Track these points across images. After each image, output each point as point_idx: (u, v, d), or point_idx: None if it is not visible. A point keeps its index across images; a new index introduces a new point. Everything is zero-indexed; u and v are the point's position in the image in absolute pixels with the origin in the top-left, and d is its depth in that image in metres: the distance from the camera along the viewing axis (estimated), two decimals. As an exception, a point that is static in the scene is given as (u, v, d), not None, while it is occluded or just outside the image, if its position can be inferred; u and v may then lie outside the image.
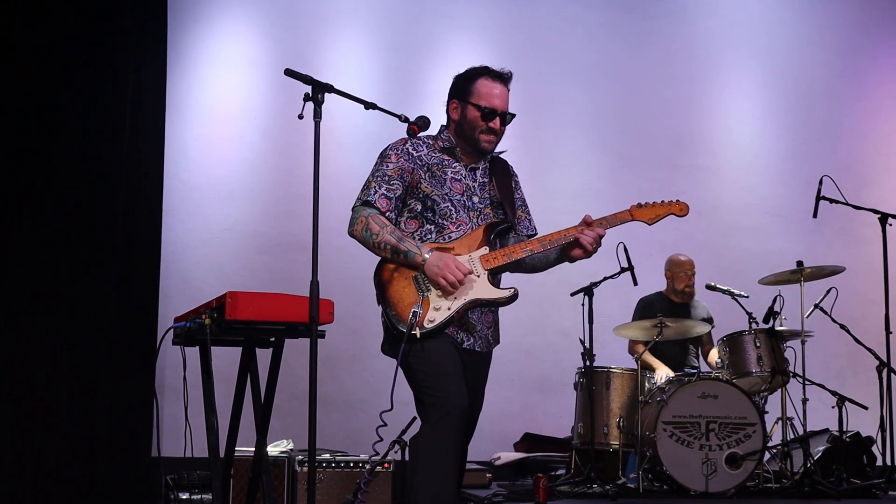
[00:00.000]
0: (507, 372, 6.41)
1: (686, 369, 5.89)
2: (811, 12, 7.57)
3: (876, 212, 5.71)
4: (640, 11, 7.31)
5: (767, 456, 5.40)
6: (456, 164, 3.29)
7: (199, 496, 4.30)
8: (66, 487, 4.71)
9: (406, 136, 3.25)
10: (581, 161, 7.11)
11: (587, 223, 3.23)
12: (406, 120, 3.19)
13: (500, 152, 3.39)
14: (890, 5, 7.65)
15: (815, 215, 5.59)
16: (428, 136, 3.32)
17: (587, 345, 5.50)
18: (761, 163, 7.35)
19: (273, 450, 4.67)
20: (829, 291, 5.50)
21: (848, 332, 5.56)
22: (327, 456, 4.66)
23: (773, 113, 7.42)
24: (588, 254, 3.23)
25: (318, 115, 3.09)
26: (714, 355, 5.98)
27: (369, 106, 3.20)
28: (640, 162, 7.07)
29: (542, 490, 4.97)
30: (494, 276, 3.21)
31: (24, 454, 4.62)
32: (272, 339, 3.71)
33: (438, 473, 2.99)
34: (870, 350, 5.51)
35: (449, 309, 3.08)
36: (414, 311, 3.05)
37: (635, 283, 5.38)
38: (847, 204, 5.65)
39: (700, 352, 6.19)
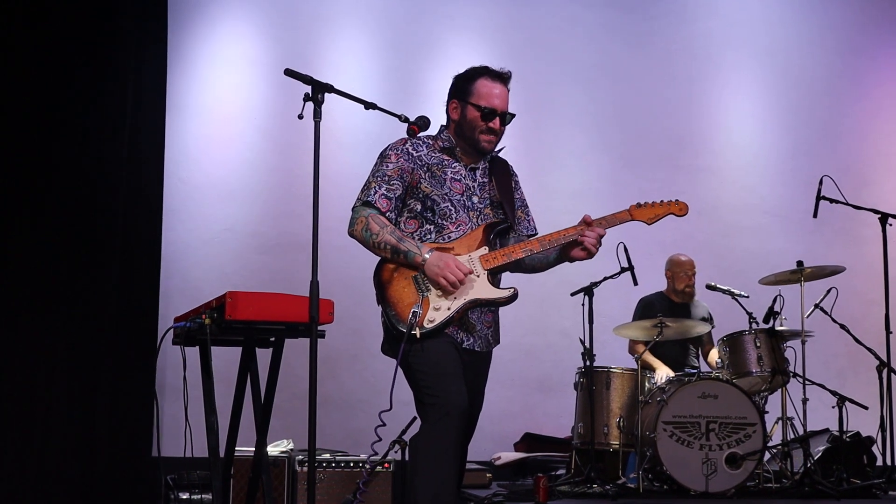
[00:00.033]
0: (507, 372, 6.41)
1: (686, 369, 5.89)
2: (811, 12, 7.57)
3: (876, 212, 5.71)
4: (640, 11, 7.30)
5: (767, 456, 5.40)
6: (456, 164, 3.29)
7: (199, 496, 4.30)
8: (66, 487, 4.71)
9: (406, 136, 3.25)
10: (581, 161, 7.11)
11: (587, 223, 3.23)
12: (406, 120, 3.19)
13: (499, 150, 3.39)
14: (890, 5, 7.65)
15: (815, 215, 5.60)
16: (428, 136, 3.32)
17: (587, 345, 5.49)
18: (761, 163, 7.35)
19: (273, 450, 4.67)
20: (829, 291, 5.50)
21: (848, 332, 5.56)
22: (327, 456, 4.66)
23: (773, 113, 7.42)
24: (590, 254, 3.23)
25: (318, 115, 3.09)
26: (714, 355, 5.98)
27: (369, 106, 3.19)
28: (640, 162, 7.07)
29: (542, 490, 4.97)
30: (494, 276, 3.21)
31: (24, 454, 4.62)
32: (272, 339, 3.71)
33: (438, 473, 2.99)
34: (870, 350, 5.50)
35: (449, 309, 3.08)
36: (414, 311, 3.05)
37: (635, 283, 5.38)
38: (847, 204, 5.65)
39: (700, 352, 6.19)
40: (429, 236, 3.21)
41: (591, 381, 5.50)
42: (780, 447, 5.46)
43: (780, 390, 5.53)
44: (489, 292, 3.14)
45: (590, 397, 5.48)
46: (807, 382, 5.50)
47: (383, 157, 3.27)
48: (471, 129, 3.25)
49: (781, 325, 5.54)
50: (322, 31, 6.74)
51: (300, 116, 3.09)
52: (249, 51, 6.60)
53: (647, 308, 6.03)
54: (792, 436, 5.50)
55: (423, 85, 6.61)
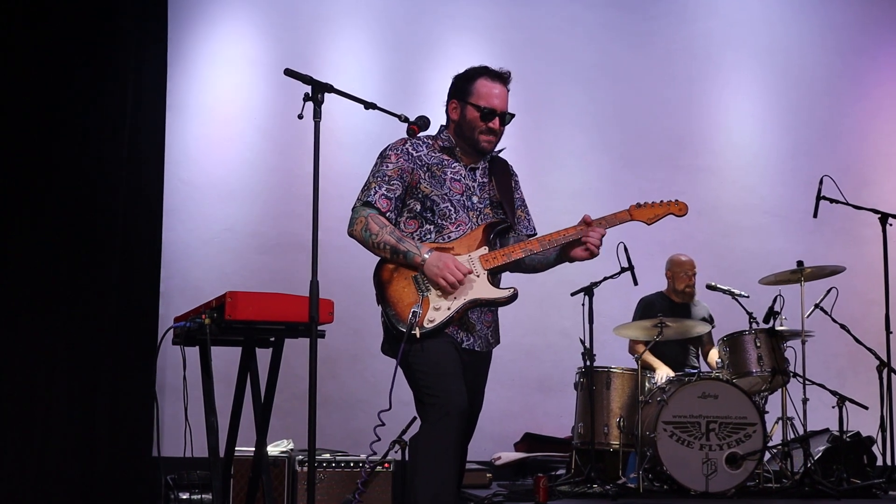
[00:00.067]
0: (507, 372, 6.41)
1: (686, 369, 5.89)
2: (811, 12, 7.57)
3: (876, 212, 5.71)
4: (640, 11, 7.30)
5: (768, 456, 5.40)
6: (455, 164, 3.29)
7: (199, 496, 4.29)
8: (66, 487, 4.71)
9: (406, 136, 3.25)
10: (581, 161, 7.11)
11: (586, 223, 3.23)
12: (406, 120, 3.19)
13: (499, 150, 3.39)
14: (890, 5, 7.65)
15: (815, 215, 5.59)
16: (427, 136, 3.32)
17: (587, 345, 5.49)
18: (761, 163, 7.35)
19: (273, 450, 4.67)
20: (829, 291, 5.50)
21: (848, 331, 5.56)
22: (327, 456, 4.66)
23: (774, 113, 7.42)
24: (591, 255, 3.23)
25: (317, 115, 3.09)
26: (714, 355, 5.98)
27: (369, 106, 3.19)
28: (640, 162, 7.07)
29: (542, 490, 4.97)
30: (494, 276, 3.21)
31: (24, 454, 4.62)
32: (272, 339, 3.71)
33: (438, 473, 2.99)
34: (870, 350, 5.50)
35: (449, 309, 3.08)
36: (414, 311, 3.05)
37: (635, 283, 5.38)
38: (847, 204, 5.65)
39: (700, 352, 6.19)
40: (428, 236, 3.21)
41: (592, 381, 5.50)
42: (780, 447, 5.46)
43: (780, 390, 5.53)
44: (489, 292, 3.14)
45: (590, 397, 5.48)
46: (807, 382, 5.50)
47: (383, 157, 3.26)
48: (470, 129, 3.25)
49: (781, 325, 5.54)
50: (322, 31, 6.74)
51: (300, 116, 3.09)
52: (249, 51, 6.60)
53: (647, 308, 6.03)
54: (792, 436, 5.50)
55: (423, 85, 6.61)
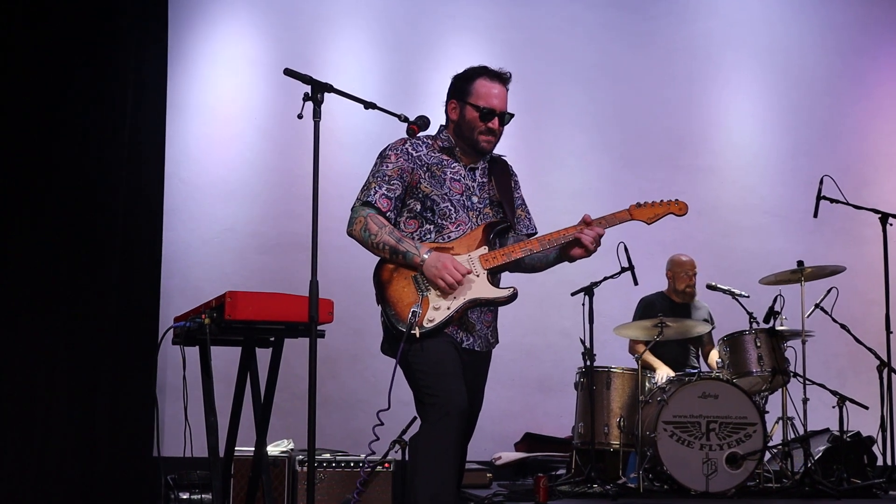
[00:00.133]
0: (507, 372, 6.41)
1: (686, 369, 5.88)
2: (812, 12, 7.56)
3: (876, 211, 5.71)
4: (640, 11, 7.30)
5: (768, 456, 5.40)
6: (455, 164, 3.29)
7: (199, 496, 4.30)
8: (66, 487, 4.71)
9: (405, 136, 3.25)
10: (581, 161, 7.10)
11: (586, 222, 3.23)
12: (406, 120, 3.19)
13: (500, 156, 3.40)
14: (891, 5, 7.64)
15: (815, 215, 5.59)
16: (427, 136, 3.32)
17: (587, 344, 5.49)
18: (761, 163, 7.35)
19: (273, 450, 4.67)
20: (829, 291, 5.50)
21: (848, 331, 5.56)
22: (327, 456, 4.67)
23: (774, 113, 7.42)
24: (589, 253, 3.23)
25: (317, 115, 3.09)
26: (714, 356, 5.98)
27: (369, 106, 3.19)
28: (640, 162, 7.07)
29: (542, 490, 4.97)
30: (494, 276, 3.21)
31: (24, 454, 4.62)
32: (272, 339, 3.71)
33: (438, 473, 2.98)
34: (870, 350, 5.50)
35: (448, 308, 3.08)
36: (413, 311, 3.05)
37: (636, 283, 5.38)
38: (847, 204, 5.65)
39: (700, 352, 6.18)
40: (428, 236, 3.21)
41: (592, 380, 5.50)
42: (780, 447, 5.46)
43: (780, 390, 5.53)
44: (489, 292, 3.14)
45: (590, 397, 5.48)
46: (807, 382, 5.49)
47: (383, 157, 3.26)
48: (470, 129, 3.25)
49: (782, 325, 5.54)
50: (322, 31, 6.74)
51: (300, 116, 3.09)
52: (249, 51, 6.60)
53: (647, 308, 6.03)
54: (792, 436, 5.50)
55: (423, 85, 6.60)
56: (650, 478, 5.36)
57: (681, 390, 5.24)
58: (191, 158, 6.32)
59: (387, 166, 3.22)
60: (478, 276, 3.14)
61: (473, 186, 3.29)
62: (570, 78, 7.13)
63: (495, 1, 7.10)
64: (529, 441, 6.46)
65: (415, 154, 3.25)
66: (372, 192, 3.18)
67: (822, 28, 7.55)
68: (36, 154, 4.84)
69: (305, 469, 4.38)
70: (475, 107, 3.23)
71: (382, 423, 3.07)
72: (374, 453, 3.37)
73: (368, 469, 4.56)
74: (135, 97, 5.24)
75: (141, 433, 5.02)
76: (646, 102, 7.19)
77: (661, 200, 3.35)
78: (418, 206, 3.23)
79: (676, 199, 3.37)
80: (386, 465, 4.63)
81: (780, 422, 5.50)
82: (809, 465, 5.24)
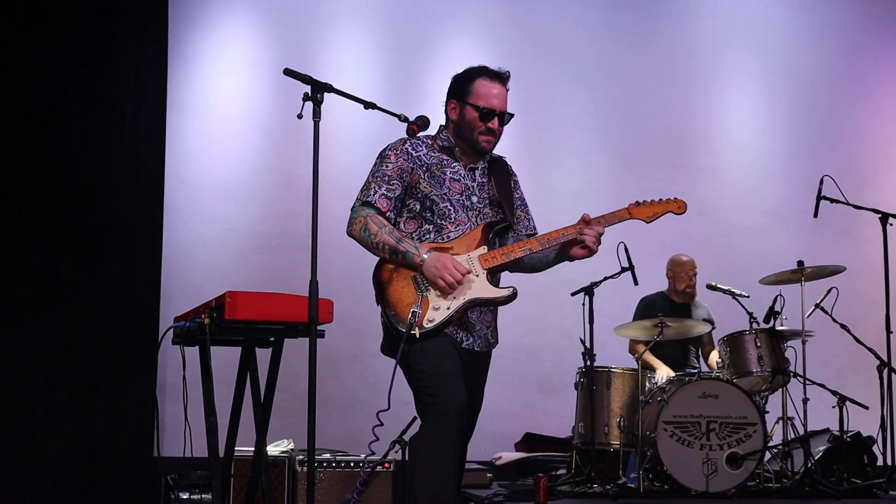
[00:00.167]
0: (507, 372, 6.41)
1: (686, 369, 5.88)
2: (812, 12, 7.56)
3: (877, 211, 5.71)
4: (640, 11, 7.30)
5: (768, 456, 5.40)
6: (455, 163, 3.29)
7: (199, 496, 4.30)
8: (66, 487, 4.71)
9: (405, 136, 3.25)
10: (581, 161, 7.10)
11: (585, 221, 3.23)
12: (405, 120, 3.19)
13: (500, 156, 3.39)
14: (891, 5, 7.64)
15: (815, 215, 5.59)
16: (427, 136, 3.32)
17: (588, 344, 5.49)
18: (761, 163, 7.34)
19: (273, 450, 4.67)
20: (829, 291, 5.49)
21: (849, 331, 5.56)
22: (327, 456, 4.67)
23: (774, 112, 7.42)
24: (591, 252, 3.22)
25: (317, 115, 3.09)
26: (714, 356, 5.97)
27: (369, 106, 3.19)
28: (640, 162, 7.07)
29: (542, 490, 4.97)
30: (493, 276, 3.21)
31: (24, 454, 4.63)
32: (272, 339, 3.71)
33: (438, 473, 2.98)
34: (870, 350, 5.50)
35: (448, 308, 3.08)
36: (413, 311, 3.05)
37: (636, 283, 5.38)
38: (848, 204, 5.65)
39: (700, 353, 6.18)
40: (428, 236, 3.21)
41: (592, 380, 5.50)
42: (780, 447, 5.46)
43: (780, 390, 5.53)
44: (488, 292, 3.14)
45: (590, 397, 5.48)
46: (807, 382, 5.49)
47: (383, 157, 3.26)
48: (469, 129, 3.25)
49: (782, 325, 5.54)
50: (322, 31, 6.74)
51: (300, 116, 3.09)
52: (249, 51, 6.60)
53: (647, 308, 6.03)
54: (792, 435, 5.50)
55: (423, 85, 6.60)
56: (650, 478, 5.36)
57: (681, 390, 5.24)
58: (191, 158, 6.32)
59: (386, 166, 3.22)
60: (477, 275, 3.14)
61: (473, 186, 3.29)
62: (570, 78, 7.12)
63: (495, 1, 7.10)
64: (529, 441, 6.46)
65: (414, 154, 3.25)
66: (372, 192, 3.18)
67: (822, 28, 7.54)
68: (36, 154, 4.84)
69: (305, 469, 4.38)
70: (475, 107, 3.23)
71: (382, 424, 3.07)
72: (374, 453, 3.37)
73: (368, 469, 4.56)
74: (135, 97, 5.24)
75: (141, 433, 5.03)
76: (646, 102, 7.19)
77: (661, 199, 3.35)
78: (418, 206, 3.23)
79: (675, 198, 3.36)
80: (386, 465, 4.63)
81: (781, 422, 5.50)
82: (809, 465, 5.24)
